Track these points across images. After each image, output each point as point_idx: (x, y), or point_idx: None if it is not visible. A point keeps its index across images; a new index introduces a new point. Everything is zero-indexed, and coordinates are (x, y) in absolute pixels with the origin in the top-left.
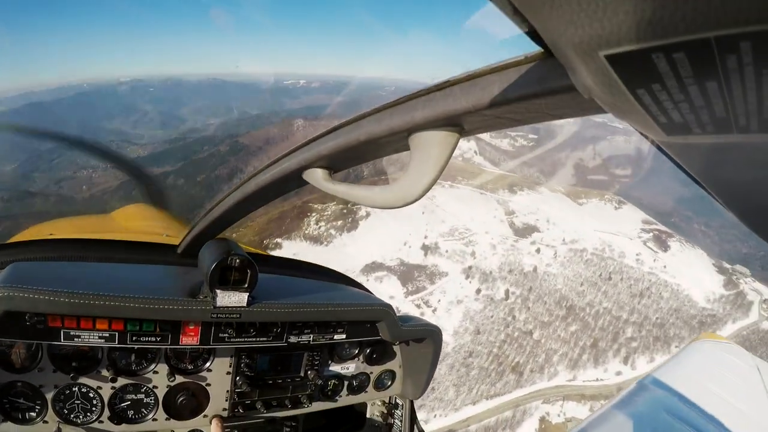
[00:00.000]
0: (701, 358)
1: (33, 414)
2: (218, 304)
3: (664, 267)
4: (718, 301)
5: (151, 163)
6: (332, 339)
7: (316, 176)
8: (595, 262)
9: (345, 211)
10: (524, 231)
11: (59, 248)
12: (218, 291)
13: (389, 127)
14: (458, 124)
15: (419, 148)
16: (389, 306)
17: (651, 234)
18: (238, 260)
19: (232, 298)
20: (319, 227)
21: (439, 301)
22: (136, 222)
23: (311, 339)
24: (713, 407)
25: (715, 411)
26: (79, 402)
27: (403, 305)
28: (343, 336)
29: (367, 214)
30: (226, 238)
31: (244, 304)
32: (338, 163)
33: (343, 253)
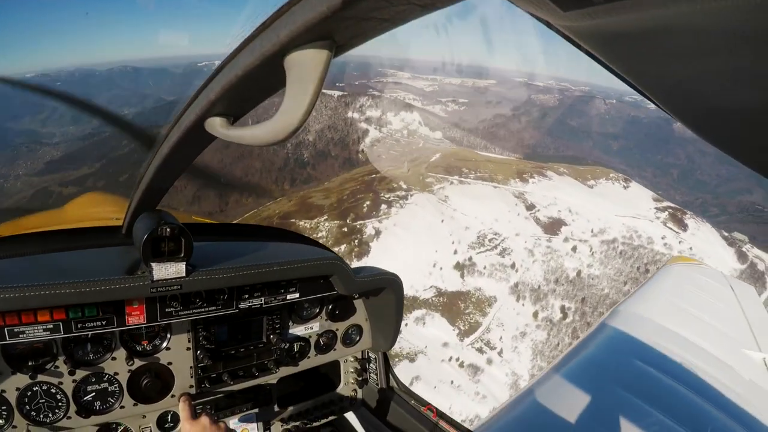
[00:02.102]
0: (675, 281)
1: (1, 421)
2: (156, 277)
3: (691, 249)
4: (740, 278)
5: (68, 165)
6: (285, 299)
7: (215, 126)
8: (629, 253)
9: (345, 230)
10: (552, 227)
11: None
12: (153, 264)
13: (261, 54)
14: (326, 36)
15: (292, 69)
16: (339, 258)
17: (666, 213)
18: (168, 229)
19: (169, 270)
20: None
21: (501, 338)
22: (89, 210)
23: (263, 302)
24: (690, 327)
25: (692, 330)
26: (43, 401)
27: (465, 354)
28: (297, 295)
29: (377, 232)
30: (159, 209)
31: (183, 274)
32: (232, 108)
33: None
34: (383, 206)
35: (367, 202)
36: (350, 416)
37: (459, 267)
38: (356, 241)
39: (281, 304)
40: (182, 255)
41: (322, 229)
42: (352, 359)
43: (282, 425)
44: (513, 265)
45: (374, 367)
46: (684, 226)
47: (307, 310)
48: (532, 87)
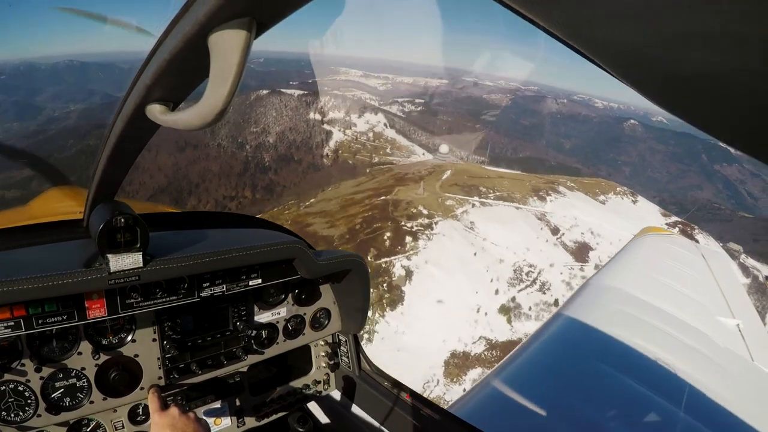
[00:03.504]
0: (647, 252)
1: None
2: (113, 269)
3: None
4: (749, 290)
5: (10, 165)
6: (248, 286)
7: (154, 112)
8: None
9: (369, 270)
10: (580, 252)
11: None
12: (110, 255)
13: (183, 36)
14: (244, 14)
15: (214, 50)
16: (300, 241)
17: (677, 229)
18: (123, 220)
19: (126, 261)
20: None
21: None
22: (55, 205)
23: (225, 289)
24: (663, 297)
25: (666, 300)
26: (12, 399)
27: None
28: (259, 281)
29: (408, 272)
30: (115, 200)
31: (140, 265)
32: (168, 94)
33: (401, 346)
34: (408, 238)
35: (388, 233)
36: (324, 400)
37: (504, 310)
38: (385, 285)
39: (245, 291)
40: (138, 245)
41: None
42: (322, 343)
43: (254, 413)
44: (556, 302)
45: (345, 350)
46: (696, 241)
47: (272, 295)
48: (483, 87)
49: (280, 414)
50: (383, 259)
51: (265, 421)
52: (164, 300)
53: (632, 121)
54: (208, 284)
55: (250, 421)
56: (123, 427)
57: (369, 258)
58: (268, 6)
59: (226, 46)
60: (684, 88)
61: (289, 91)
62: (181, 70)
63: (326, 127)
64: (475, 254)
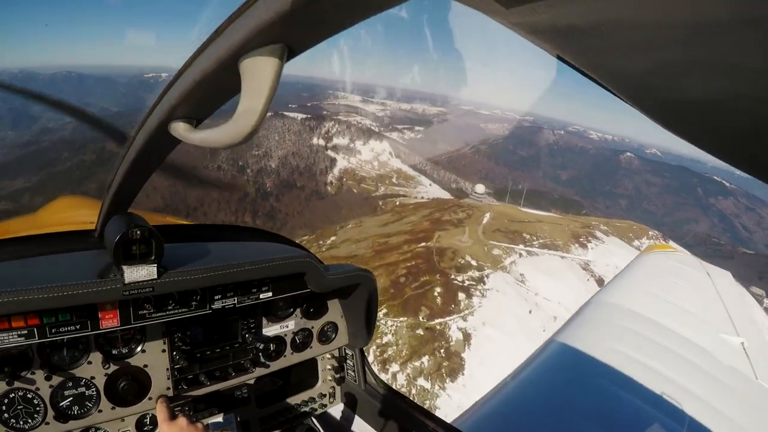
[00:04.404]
0: (651, 269)
1: None
2: (127, 280)
3: None
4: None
5: (2, 175)
6: (258, 299)
7: (178, 129)
8: None
9: (421, 332)
10: None
11: None
12: (125, 267)
13: (217, 58)
14: (278, 40)
15: (247, 73)
16: (311, 256)
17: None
18: (139, 232)
19: (140, 272)
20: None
21: None
22: (64, 214)
23: (236, 302)
24: (667, 314)
25: (670, 317)
26: (21, 407)
27: None
28: (270, 294)
29: (465, 335)
30: (129, 212)
31: (155, 276)
32: (194, 112)
33: None
34: (461, 295)
35: (438, 289)
36: (329, 413)
37: None
38: (443, 351)
39: (255, 304)
40: (153, 257)
41: (387, 330)
42: (329, 356)
43: (261, 425)
44: None
45: (351, 364)
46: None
47: (281, 309)
48: (480, 116)
49: (286, 426)
50: (437, 320)
51: None
52: (176, 312)
53: (628, 153)
54: (219, 297)
55: None
56: None
57: (421, 318)
58: (300, 34)
59: (258, 69)
60: (687, 111)
61: (291, 115)
62: (210, 91)
63: (330, 153)
64: (530, 312)
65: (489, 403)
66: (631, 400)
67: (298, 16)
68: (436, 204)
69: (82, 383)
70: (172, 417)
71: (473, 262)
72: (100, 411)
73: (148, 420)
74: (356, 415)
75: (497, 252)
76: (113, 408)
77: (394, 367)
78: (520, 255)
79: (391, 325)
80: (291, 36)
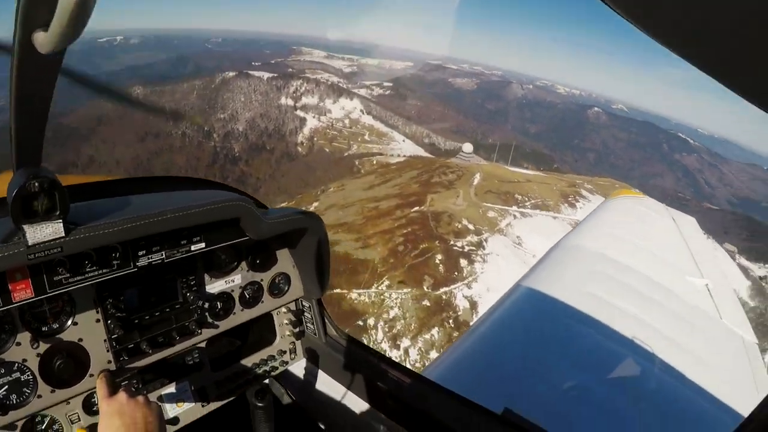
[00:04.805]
0: (617, 213)
1: None
2: (31, 241)
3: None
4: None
5: None
6: (190, 251)
7: (41, 41)
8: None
9: (428, 303)
10: None
11: None
12: (26, 226)
13: None
14: None
15: None
16: (244, 199)
17: None
18: (37, 184)
19: (45, 231)
20: None
21: None
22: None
23: (164, 256)
24: (634, 257)
25: (636, 260)
26: None
27: None
28: (203, 245)
29: (472, 304)
30: (32, 166)
31: (62, 234)
32: (44, 15)
33: None
34: (463, 261)
35: (439, 256)
36: (292, 369)
37: None
38: (452, 321)
39: (191, 258)
40: (58, 212)
41: (393, 303)
42: (285, 311)
43: (218, 389)
44: None
45: (310, 317)
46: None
47: (224, 262)
48: (448, 70)
49: (246, 388)
50: (442, 289)
51: (232, 397)
52: (97, 273)
53: (596, 108)
54: (144, 252)
55: (215, 399)
56: (79, 420)
57: (426, 288)
58: None
59: None
60: (697, 31)
61: (257, 74)
62: None
63: (300, 113)
64: None
65: (458, 349)
66: (600, 339)
67: None
68: (422, 164)
69: (15, 368)
70: (112, 393)
71: (470, 226)
72: (39, 396)
73: (96, 399)
74: (320, 370)
75: (492, 214)
76: (53, 391)
77: (405, 342)
78: (515, 217)
79: (396, 298)
80: None
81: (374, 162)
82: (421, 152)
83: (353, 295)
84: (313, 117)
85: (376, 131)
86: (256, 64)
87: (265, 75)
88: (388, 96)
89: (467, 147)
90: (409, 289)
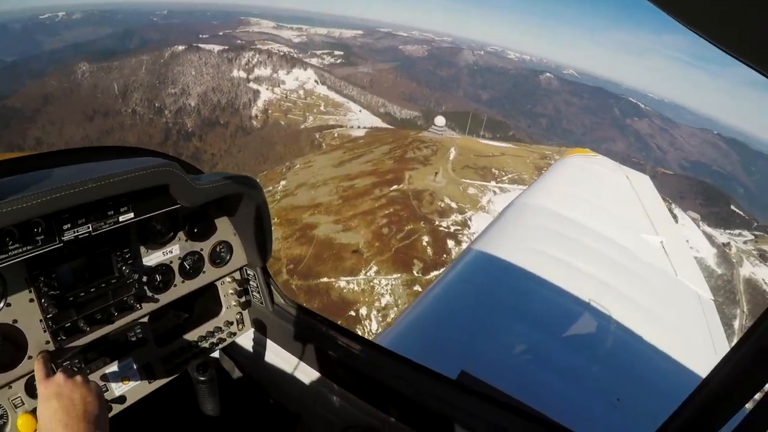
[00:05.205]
0: (571, 172)
1: None
2: None
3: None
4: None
5: None
6: (118, 222)
7: None
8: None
9: (419, 288)
10: None
11: None
12: None
13: None
14: None
15: None
16: (171, 164)
17: None
18: None
19: None
20: None
21: None
22: None
23: (91, 229)
24: (588, 215)
25: (591, 218)
26: None
27: None
28: (131, 215)
29: None
30: None
31: None
32: None
33: None
34: (450, 242)
35: (426, 238)
36: (240, 341)
37: None
38: None
39: (123, 230)
40: None
41: (383, 290)
42: (229, 280)
43: (164, 364)
44: None
45: (255, 285)
46: (676, 219)
47: (160, 233)
48: (398, 38)
49: (194, 362)
50: (433, 273)
51: (180, 372)
52: (21, 251)
53: (547, 74)
54: (69, 225)
55: (162, 375)
56: (23, 404)
57: (416, 273)
58: None
59: None
60: None
61: (207, 47)
62: None
63: (252, 85)
64: None
65: (410, 316)
66: (554, 298)
67: None
68: (393, 139)
69: None
70: (50, 374)
71: (453, 205)
72: None
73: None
74: (268, 339)
75: (472, 191)
76: None
77: None
78: (495, 193)
79: (386, 284)
80: None
81: (335, 135)
82: (379, 123)
83: (341, 283)
84: (267, 89)
85: (331, 102)
86: (204, 36)
87: (216, 48)
88: (339, 65)
89: (439, 120)
90: (399, 275)
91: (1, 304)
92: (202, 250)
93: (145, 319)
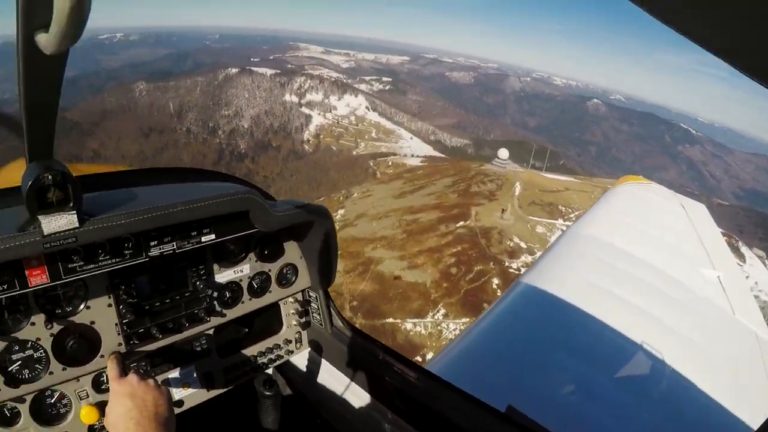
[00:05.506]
0: (625, 201)
1: None
2: (46, 231)
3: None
4: None
5: None
6: (200, 242)
7: (44, 42)
8: None
9: None
10: None
11: None
12: (41, 217)
13: None
14: None
15: None
16: (253, 191)
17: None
18: (50, 177)
19: (60, 221)
20: None
21: None
22: (16, 174)
23: (175, 247)
24: (642, 246)
25: (645, 249)
26: None
27: None
28: (212, 237)
29: None
30: (46, 159)
31: (76, 225)
32: (43, 16)
33: None
34: None
35: (496, 280)
36: (296, 360)
37: None
38: None
39: (202, 249)
40: (71, 204)
41: (451, 335)
42: (292, 300)
43: (224, 376)
44: None
45: (316, 307)
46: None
47: (233, 252)
48: (444, 64)
49: (252, 375)
50: None
51: (237, 384)
52: (110, 262)
53: (595, 100)
54: (156, 243)
55: (220, 385)
56: (87, 396)
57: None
58: None
59: None
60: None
61: (260, 70)
62: None
63: (305, 110)
64: None
65: (461, 344)
66: (606, 333)
67: None
68: (455, 171)
69: (29, 346)
70: (123, 374)
71: (522, 245)
72: (51, 373)
73: (105, 378)
74: (324, 360)
75: (541, 230)
76: (64, 369)
77: None
78: (563, 231)
79: (454, 329)
80: None
81: (389, 162)
82: (431, 151)
83: (408, 325)
84: (319, 114)
85: (382, 128)
86: (255, 60)
87: (268, 71)
88: (388, 91)
89: (503, 153)
90: (468, 319)
91: (82, 307)
92: (270, 270)
93: (211, 332)
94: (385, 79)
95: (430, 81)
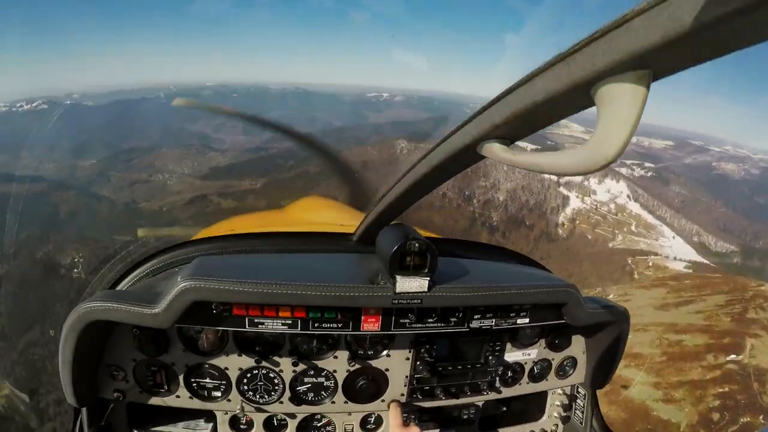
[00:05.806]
0: None
1: (218, 393)
2: (398, 290)
3: None
4: None
5: (231, 175)
6: (515, 324)
7: (494, 150)
8: None
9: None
10: None
11: (239, 242)
12: (398, 277)
13: (569, 81)
14: (647, 65)
15: (605, 99)
16: (574, 287)
17: None
18: (417, 245)
19: (412, 284)
20: None
21: None
22: (310, 213)
23: (494, 323)
24: None
25: None
26: (261, 383)
27: None
28: (526, 320)
29: None
30: (401, 223)
31: (425, 289)
32: (515, 131)
33: None
34: None
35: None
36: None
37: None
38: None
39: (504, 328)
40: (427, 270)
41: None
42: (560, 392)
43: None
44: None
45: (581, 404)
46: None
47: (528, 336)
48: (710, 153)
49: None
50: None
51: None
52: (436, 326)
53: None
54: (479, 316)
55: None
56: (352, 431)
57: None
58: (670, 63)
59: (621, 95)
60: None
61: (522, 144)
62: (547, 112)
63: (563, 190)
64: None
65: None
66: None
67: (678, 45)
68: (728, 287)
69: (323, 374)
70: (405, 424)
71: None
72: (333, 402)
73: (372, 419)
74: None
75: None
76: (346, 402)
77: None
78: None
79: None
80: (662, 64)
81: (649, 263)
82: (693, 254)
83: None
84: (577, 196)
85: (643, 222)
86: None
87: (529, 146)
88: (650, 179)
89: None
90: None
91: (384, 354)
92: (553, 359)
93: (480, 404)
94: (647, 164)
95: (695, 171)
